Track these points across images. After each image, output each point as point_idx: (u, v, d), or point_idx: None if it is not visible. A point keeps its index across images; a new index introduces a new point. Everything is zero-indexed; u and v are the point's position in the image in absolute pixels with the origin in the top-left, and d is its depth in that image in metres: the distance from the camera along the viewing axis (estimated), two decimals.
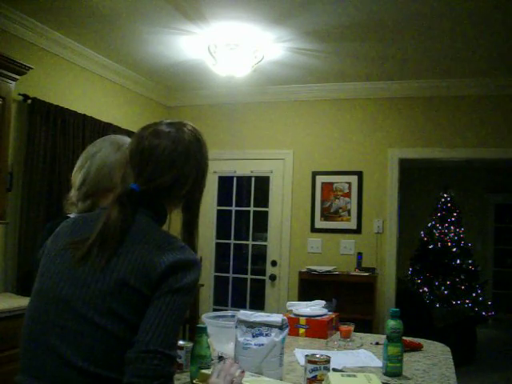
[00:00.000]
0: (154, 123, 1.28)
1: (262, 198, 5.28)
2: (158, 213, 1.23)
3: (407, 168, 6.00)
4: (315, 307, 2.47)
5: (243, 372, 1.24)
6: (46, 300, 1.14)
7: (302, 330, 2.34)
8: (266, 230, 5.25)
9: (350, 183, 4.97)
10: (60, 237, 1.23)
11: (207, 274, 5.39)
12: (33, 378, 1.10)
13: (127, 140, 1.61)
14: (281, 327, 1.63)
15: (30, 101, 3.62)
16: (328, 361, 1.51)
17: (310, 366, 1.49)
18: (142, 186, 1.20)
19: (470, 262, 7.41)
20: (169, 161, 1.22)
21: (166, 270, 1.10)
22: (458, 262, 7.32)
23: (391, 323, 1.75)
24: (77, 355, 1.06)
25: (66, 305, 1.11)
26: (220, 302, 5.38)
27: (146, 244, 1.13)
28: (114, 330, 1.08)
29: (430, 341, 2.31)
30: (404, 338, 1.84)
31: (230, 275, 5.38)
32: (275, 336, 1.61)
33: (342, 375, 1.39)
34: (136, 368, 1.03)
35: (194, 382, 1.44)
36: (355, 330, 2.33)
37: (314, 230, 5.05)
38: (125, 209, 1.17)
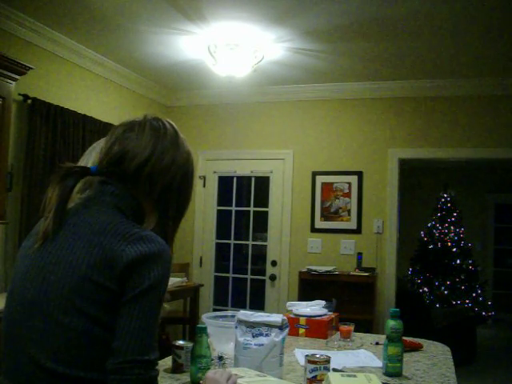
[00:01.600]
0: (128, 120, 1.25)
1: (262, 198, 5.28)
2: (125, 203, 1.15)
3: (407, 168, 6.00)
4: (315, 307, 2.47)
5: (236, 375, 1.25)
6: (16, 301, 1.13)
7: (301, 330, 2.34)
8: (266, 230, 5.25)
9: (349, 183, 4.97)
10: (31, 237, 1.20)
11: (207, 274, 5.39)
12: (9, 380, 1.10)
13: None
14: (281, 327, 1.63)
15: (30, 101, 3.62)
16: (328, 361, 1.51)
17: (310, 366, 1.49)
18: (102, 168, 1.17)
19: (469, 262, 7.40)
20: (121, 135, 1.18)
21: (129, 265, 1.05)
22: (458, 262, 7.32)
23: (391, 323, 1.75)
24: (45, 356, 1.05)
25: (32, 305, 1.09)
26: (220, 302, 5.38)
27: (106, 235, 1.07)
28: (82, 328, 1.04)
29: (429, 341, 2.31)
30: (404, 338, 1.84)
31: (230, 275, 5.38)
32: (275, 336, 1.61)
33: (342, 375, 1.39)
34: (119, 379, 1.02)
35: (201, 382, 1.44)
36: (355, 330, 2.33)
37: (313, 230, 5.05)
38: (64, 183, 1.14)
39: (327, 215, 5.03)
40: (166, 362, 1.79)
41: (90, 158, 1.64)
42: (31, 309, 1.09)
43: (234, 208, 5.41)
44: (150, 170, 1.16)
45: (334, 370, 1.65)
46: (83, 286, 1.05)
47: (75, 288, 1.06)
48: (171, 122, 1.25)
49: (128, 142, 1.17)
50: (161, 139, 1.19)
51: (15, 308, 1.13)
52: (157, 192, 1.18)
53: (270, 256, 5.20)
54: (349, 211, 4.96)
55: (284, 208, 5.16)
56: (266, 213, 5.25)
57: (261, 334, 1.62)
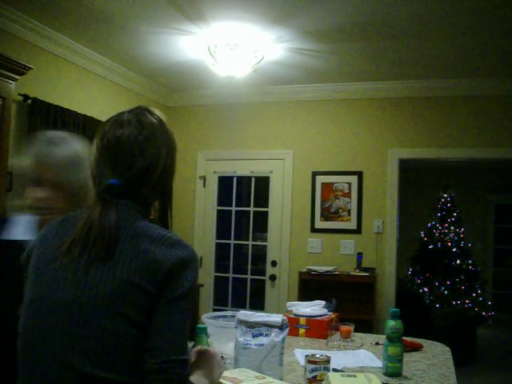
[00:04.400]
0: (115, 115, 1.26)
1: (262, 198, 5.28)
2: (142, 205, 1.21)
3: (407, 168, 6.00)
4: (315, 307, 2.48)
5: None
6: (44, 308, 1.10)
7: (301, 330, 2.34)
8: (266, 230, 5.25)
9: (349, 183, 4.97)
10: (48, 240, 1.18)
11: (207, 274, 5.39)
12: None
13: None
14: (281, 327, 1.63)
15: (30, 101, 3.62)
16: (328, 361, 1.51)
17: (310, 366, 1.49)
18: (120, 178, 1.18)
19: (469, 262, 7.40)
20: (137, 147, 1.20)
21: (171, 269, 1.09)
22: (458, 262, 7.31)
23: (391, 323, 1.76)
24: (84, 361, 1.04)
25: (68, 311, 1.07)
26: (220, 302, 5.38)
27: (143, 240, 1.11)
28: (122, 331, 1.05)
29: (430, 341, 2.31)
30: (404, 338, 1.84)
31: (230, 275, 5.38)
32: (275, 336, 1.61)
33: (342, 375, 1.39)
34: (161, 379, 1.05)
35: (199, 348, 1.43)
36: (355, 330, 2.33)
37: (313, 230, 5.05)
38: (107, 206, 1.15)
39: (327, 215, 5.03)
40: None
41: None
42: (66, 314, 1.07)
43: (234, 208, 5.41)
44: (166, 173, 1.25)
45: (334, 370, 1.65)
46: (125, 289, 1.07)
47: (117, 292, 1.06)
48: (160, 113, 1.30)
49: (146, 153, 1.20)
50: (166, 139, 1.25)
51: (44, 315, 1.09)
52: (165, 187, 1.26)
53: (270, 256, 5.20)
54: (349, 211, 4.96)
55: (284, 208, 5.16)
56: (266, 213, 5.25)
57: (261, 334, 1.62)
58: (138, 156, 1.19)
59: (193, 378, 1.23)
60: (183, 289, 1.10)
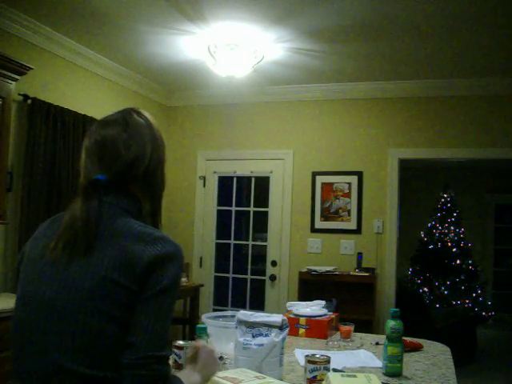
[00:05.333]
0: (104, 116, 1.29)
1: (262, 198, 5.28)
2: (130, 203, 1.21)
3: (407, 168, 6.00)
4: (315, 307, 2.47)
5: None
6: (31, 306, 1.12)
7: (301, 330, 2.34)
8: (266, 230, 5.25)
9: (349, 183, 4.97)
10: (38, 239, 1.21)
11: (207, 274, 5.39)
12: (24, 383, 1.10)
13: None
14: (281, 327, 1.63)
15: (29, 101, 3.62)
16: (328, 361, 1.51)
17: (310, 366, 1.49)
18: (106, 174, 1.19)
19: (469, 262, 7.41)
20: (121, 143, 1.21)
21: (149, 265, 1.09)
22: (458, 262, 7.32)
23: (391, 323, 1.75)
24: (65, 357, 1.06)
25: (49, 307, 1.09)
26: (220, 302, 5.38)
27: (124, 237, 1.11)
28: (102, 328, 1.06)
29: (429, 341, 2.31)
30: (404, 338, 1.84)
31: (230, 275, 5.38)
32: (275, 336, 1.61)
33: (342, 375, 1.39)
34: (137, 374, 1.05)
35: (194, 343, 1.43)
36: (355, 330, 2.33)
37: (313, 230, 5.05)
38: (90, 200, 1.16)
39: (327, 215, 5.03)
40: None
41: None
42: (49, 310, 1.09)
43: (233, 208, 5.41)
44: (152, 169, 1.24)
45: (334, 370, 1.65)
46: (104, 286, 1.07)
47: (96, 289, 1.07)
48: (148, 114, 1.32)
49: (131, 148, 1.22)
50: (152, 137, 1.27)
51: (30, 311, 1.12)
52: (156, 186, 1.26)
53: (270, 256, 5.20)
54: (349, 211, 4.96)
55: (284, 208, 5.16)
56: (266, 213, 5.25)
57: (261, 334, 1.62)
58: (123, 151, 1.21)
59: (184, 372, 1.24)
60: (162, 285, 1.09)
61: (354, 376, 1.36)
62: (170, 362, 1.74)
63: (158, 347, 1.07)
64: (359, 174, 4.95)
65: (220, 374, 1.37)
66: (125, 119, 1.25)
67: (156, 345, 1.07)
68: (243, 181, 5.44)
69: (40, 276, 1.14)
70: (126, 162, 1.20)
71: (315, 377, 1.48)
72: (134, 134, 1.24)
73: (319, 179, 5.07)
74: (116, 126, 1.24)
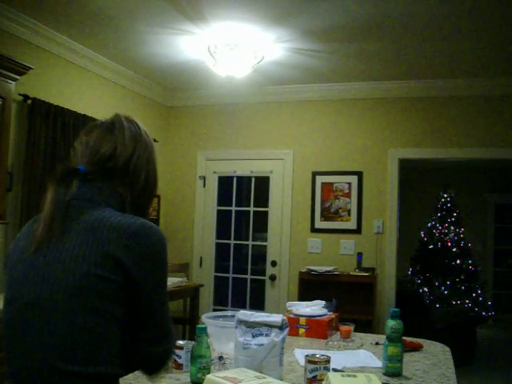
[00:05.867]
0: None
1: (262, 198, 5.28)
2: (111, 197, 1.21)
3: (407, 168, 6.00)
4: (315, 307, 2.47)
5: None
6: (16, 306, 1.12)
7: (301, 330, 2.34)
8: (266, 230, 5.25)
9: (350, 183, 4.97)
10: (19, 241, 1.21)
11: (207, 274, 5.39)
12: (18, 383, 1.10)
13: None
14: (281, 327, 1.63)
15: (29, 101, 3.62)
16: (328, 361, 1.51)
17: (310, 366, 1.49)
18: (86, 166, 1.22)
19: (469, 262, 7.40)
20: (104, 139, 1.24)
21: (136, 259, 1.10)
22: (458, 262, 7.32)
23: (391, 323, 1.76)
24: (55, 356, 1.05)
25: (33, 307, 1.09)
26: (220, 302, 5.38)
27: (102, 230, 1.11)
28: (89, 323, 1.06)
29: (429, 341, 2.31)
30: (404, 338, 1.84)
31: (230, 275, 5.38)
32: (275, 336, 1.61)
33: (342, 375, 1.39)
34: (159, 366, 1.20)
35: None
36: (355, 330, 2.33)
37: (313, 230, 5.05)
38: (61, 188, 1.18)
39: (327, 215, 5.03)
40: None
41: None
42: (34, 310, 1.09)
43: (233, 208, 5.41)
44: (134, 164, 1.25)
45: (334, 370, 1.65)
46: (89, 281, 1.07)
47: (79, 284, 1.07)
48: (138, 121, 1.34)
49: (113, 142, 1.24)
50: (138, 138, 1.28)
51: (16, 313, 1.13)
52: (140, 183, 1.26)
53: (270, 256, 5.20)
54: (349, 211, 4.96)
55: (284, 208, 5.16)
56: (266, 213, 5.25)
57: (261, 334, 1.62)
58: (103, 145, 1.24)
59: None
60: (157, 278, 1.14)
61: (354, 376, 1.36)
62: (170, 361, 1.74)
63: (170, 339, 1.19)
64: (359, 174, 4.95)
65: (220, 373, 1.37)
66: (112, 122, 1.29)
67: (168, 337, 1.18)
68: (243, 181, 5.44)
69: (23, 276, 1.13)
70: (104, 155, 1.22)
71: (315, 377, 1.48)
72: (117, 132, 1.26)
73: (319, 179, 5.07)
74: (101, 128, 1.28)
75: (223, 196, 5.44)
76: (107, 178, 1.22)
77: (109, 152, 1.22)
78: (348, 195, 4.97)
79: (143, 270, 1.11)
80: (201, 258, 5.42)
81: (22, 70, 3.18)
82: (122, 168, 1.23)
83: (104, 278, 1.07)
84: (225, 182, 5.44)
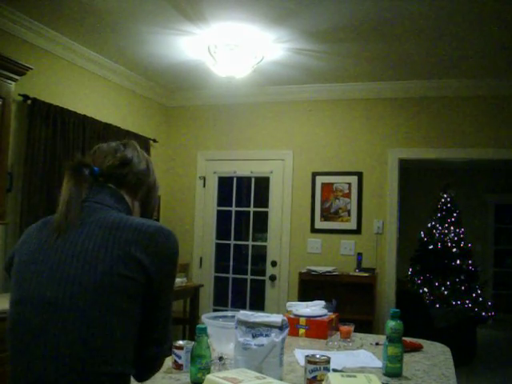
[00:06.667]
0: None
1: (262, 198, 5.28)
2: (119, 203, 1.26)
3: (407, 168, 6.00)
4: (315, 307, 2.47)
5: None
6: (32, 307, 1.11)
7: (301, 331, 2.34)
8: (266, 231, 5.25)
9: (349, 183, 4.97)
10: (29, 243, 1.21)
11: (207, 274, 5.38)
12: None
13: None
14: (281, 327, 1.63)
15: (29, 101, 3.62)
16: (328, 361, 1.51)
17: (310, 367, 1.49)
18: (99, 168, 1.27)
19: (469, 262, 7.40)
20: (117, 148, 1.33)
21: (155, 260, 1.14)
22: (458, 262, 7.32)
23: (391, 324, 1.75)
24: (77, 357, 1.05)
25: (54, 307, 1.08)
26: (220, 302, 5.38)
27: (121, 230, 1.14)
28: (109, 321, 1.07)
29: (429, 341, 2.30)
30: (404, 338, 1.84)
31: (230, 275, 5.38)
32: (275, 336, 1.61)
33: (342, 375, 1.39)
34: (159, 365, 1.23)
35: None
36: (355, 331, 2.33)
37: (313, 230, 5.05)
38: (74, 187, 1.20)
39: (327, 215, 5.03)
40: (166, 362, 1.78)
41: None
42: (53, 310, 1.08)
43: (233, 208, 5.41)
44: (138, 179, 1.33)
45: (334, 370, 1.65)
46: (112, 280, 1.09)
47: (102, 283, 1.08)
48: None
49: (128, 154, 1.32)
50: (147, 160, 1.38)
51: (30, 313, 1.11)
52: (144, 194, 1.35)
53: (270, 256, 5.20)
54: (349, 211, 4.96)
55: (284, 208, 5.16)
56: (266, 213, 5.25)
57: (261, 335, 1.61)
58: (117, 153, 1.30)
59: None
60: (168, 279, 1.19)
61: (354, 376, 1.36)
62: (170, 361, 1.75)
63: (171, 338, 1.23)
64: (359, 174, 4.95)
65: (220, 374, 1.37)
66: (123, 143, 1.36)
67: (170, 337, 1.22)
68: (243, 181, 5.44)
69: (37, 276, 1.12)
70: (117, 160, 1.28)
71: (315, 377, 1.48)
72: (131, 149, 1.34)
73: (319, 179, 5.07)
74: (116, 143, 1.35)
75: (223, 196, 5.44)
76: (117, 184, 1.27)
77: (123, 159, 1.29)
78: (348, 195, 4.97)
79: (160, 271, 1.15)
80: (201, 259, 5.42)
81: (21, 70, 3.18)
82: (132, 178, 1.30)
83: (126, 276, 1.10)
84: (225, 183, 5.44)
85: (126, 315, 1.10)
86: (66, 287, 1.09)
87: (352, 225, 4.93)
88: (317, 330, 2.31)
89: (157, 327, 1.17)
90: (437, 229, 7.66)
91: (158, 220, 5.22)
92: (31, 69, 3.25)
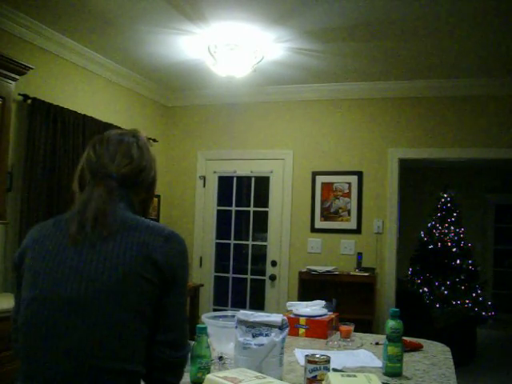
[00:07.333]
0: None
1: (262, 198, 5.28)
2: (127, 206, 1.27)
3: (407, 168, 5.99)
4: (315, 307, 2.47)
5: None
6: (47, 305, 1.11)
7: (301, 330, 2.34)
8: (266, 230, 5.25)
9: (349, 183, 4.97)
10: (42, 241, 1.20)
11: (207, 274, 5.39)
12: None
13: None
14: (281, 327, 1.63)
15: (30, 101, 3.62)
16: (328, 361, 1.51)
17: (310, 366, 1.49)
18: (116, 173, 1.27)
19: (469, 262, 7.40)
20: (135, 150, 1.32)
21: (170, 262, 1.16)
22: (458, 262, 7.31)
23: (391, 323, 1.75)
24: (95, 354, 1.07)
25: (74, 305, 1.09)
26: (220, 302, 5.38)
27: (139, 231, 1.16)
28: (127, 320, 1.10)
29: (429, 341, 2.31)
30: (404, 338, 1.84)
31: (230, 275, 5.38)
32: (275, 336, 1.61)
33: (342, 375, 1.39)
34: (181, 371, 1.20)
35: None
36: (355, 330, 2.33)
37: (313, 230, 5.05)
38: (111, 192, 1.22)
39: (327, 215, 5.03)
40: None
41: None
42: (73, 307, 1.09)
43: (233, 208, 5.41)
44: (150, 184, 1.36)
45: (334, 370, 1.65)
46: (130, 279, 1.11)
47: (122, 282, 1.10)
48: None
49: (141, 158, 1.33)
50: (152, 156, 1.39)
51: (48, 311, 1.11)
52: (147, 194, 1.37)
53: (270, 256, 5.20)
54: (349, 211, 4.96)
55: (284, 208, 5.16)
56: (266, 213, 5.25)
57: (261, 334, 1.62)
58: (135, 157, 1.30)
59: None
60: (182, 282, 1.20)
61: (354, 376, 1.36)
62: None
63: (186, 342, 1.21)
64: (359, 174, 4.95)
65: (220, 373, 1.37)
66: (134, 135, 1.36)
67: (186, 340, 1.20)
68: (243, 181, 5.44)
69: (56, 274, 1.13)
70: (136, 168, 1.30)
71: (315, 377, 1.48)
72: (143, 149, 1.34)
73: (319, 179, 5.07)
74: (130, 137, 1.34)
75: (223, 196, 5.44)
76: (128, 187, 1.29)
77: (139, 169, 1.31)
78: (348, 195, 4.97)
79: (174, 272, 1.17)
80: (201, 258, 5.42)
81: (22, 69, 3.18)
82: (144, 183, 1.33)
83: (144, 277, 1.12)
84: (225, 182, 5.44)
85: (141, 316, 1.12)
86: (87, 286, 1.10)
87: (352, 224, 4.93)
88: (317, 329, 2.31)
89: (170, 329, 1.17)
90: (437, 228, 7.65)
91: (157, 219, 5.22)
92: (31, 68, 3.26)
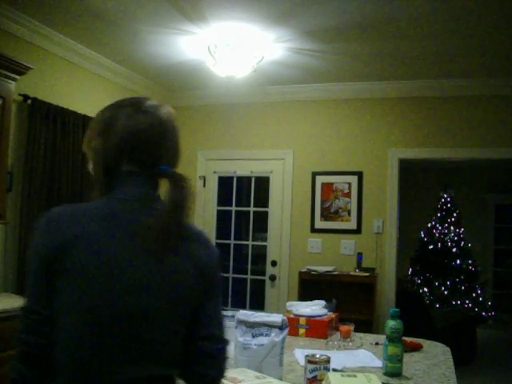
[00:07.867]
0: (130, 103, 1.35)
1: (262, 198, 5.28)
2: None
3: (407, 168, 5.99)
4: (315, 307, 2.47)
5: None
6: (112, 316, 1.03)
7: (301, 330, 2.34)
8: (266, 230, 5.25)
9: (349, 183, 4.97)
10: (98, 238, 1.05)
11: None
12: None
13: None
14: (281, 327, 1.63)
15: (30, 101, 3.62)
16: (328, 361, 1.51)
17: (310, 366, 1.49)
18: (170, 166, 1.28)
19: (469, 262, 7.40)
20: (171, 137, 1.35)
21: (214, 269, 1.18)
22: (458, 262, 7.31)
23: (391, 323, 1.76)
24: (157, 364, 1.08)
25: (144, 317, 1.05)
26: None
27: (194, 242, 1.16)
28: (182, 331, 1.12)
29: (430, 341, 2.31)
30: (404, 338, 1.84)
31: (230, 275, 5.38)
32: (275, 336, 1.61)
33: (342, 375, 1.39)
34: (223, 360, 1.18)
35: None
36: (355, 330, 2.33)
37: (314, 230, 5.05)
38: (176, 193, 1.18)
39: (327, 215, 5.03)
40: None
41: None
42: (141, 319, 1.05)
43: (233, 208, 5.41)
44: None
45: (334, 370, 1.65)
46: (186, 293, 1.12)
47: (182, 297, 1.11)
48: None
49: (176, 144, 1.38)
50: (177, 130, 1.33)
51: (114, 323, 1.03)
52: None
53: (270, 256, 5.20)
54: (349, 211, 4.96)
55: (284, 208, 5.16)
56: (266, 213, 5.25)
57: (261, 334, 1.62)
58: (176, 147, 1.38)
59: None
60: (219, 282, 1.21)
61: (354, 376, 1.36)
62: None
63: (225, 336, 1.20)
64: (359, 174, 4.95)
65: None
66: (169, 119, 1.35)
67: (224, 334, 1.20)
68: (243, 181, 5.44)
69: (120, 283, 1.04)
70: (178, 158, 1.33)
71: (315, 377, 1.48)
72: (174, 133, 1.36)
73: (319, 179, 5.07)
74: (167, 124, 1.32)
75: (223, 196, 5.44)
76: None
77: (177, 157, 1.34)
78: (348, 195, 4.97)
79: (214, 277, 1.18)
80: None
81: (22, 69, 3.18)
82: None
83: (195, 289, 1.13)
84: (225, 182, 5.44)
85: (185, 321, 1.13)
86: (155, 301, 1.07)
87: (352, 224, 4.93)
88: (317, 329, 2.31)
89: (211, 323, 1.17)
90: (437, 229, 7.65)
91: None
92: (31, 68, 3.26)
